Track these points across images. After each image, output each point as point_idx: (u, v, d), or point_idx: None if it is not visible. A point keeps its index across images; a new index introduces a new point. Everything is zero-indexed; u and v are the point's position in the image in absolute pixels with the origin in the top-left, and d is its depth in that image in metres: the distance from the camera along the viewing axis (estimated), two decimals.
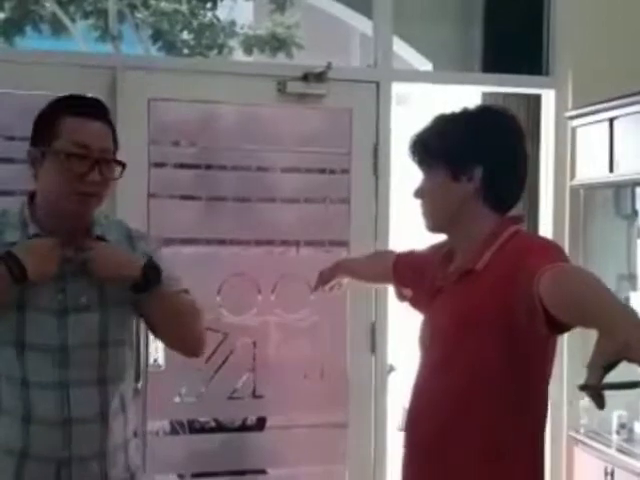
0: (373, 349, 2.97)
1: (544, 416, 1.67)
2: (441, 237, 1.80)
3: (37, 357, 1.70)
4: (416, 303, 1.90)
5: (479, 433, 1.61)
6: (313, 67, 2.89)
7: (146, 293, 1.73)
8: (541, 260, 1.48)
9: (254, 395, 2.97)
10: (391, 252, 2.24)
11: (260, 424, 3.24)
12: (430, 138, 1.69)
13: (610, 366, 1.19)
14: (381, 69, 2.99)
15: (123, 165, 1.78)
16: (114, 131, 1.79)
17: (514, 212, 1.73)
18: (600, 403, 1.21)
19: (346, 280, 2.33)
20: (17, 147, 2.71)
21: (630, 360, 1.17)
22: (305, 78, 2.86)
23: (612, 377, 1.21)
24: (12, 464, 1.72)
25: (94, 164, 1.71)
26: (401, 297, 2.03)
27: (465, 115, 1.70)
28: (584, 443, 3.03)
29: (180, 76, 2.82)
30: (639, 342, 1.17)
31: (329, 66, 2.81)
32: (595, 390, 1.20)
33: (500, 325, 1.56)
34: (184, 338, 1.85)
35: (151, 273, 1.73)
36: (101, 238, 1.78)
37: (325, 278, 2.34)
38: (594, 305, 1.31)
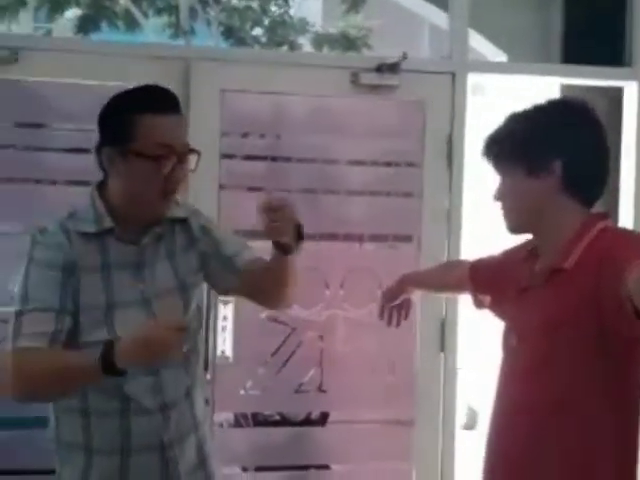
0: (442, 347, 2.91)
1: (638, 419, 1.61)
2: (519, 237, 1.76)
3: None
4: (497, 308, 1.85)
5: (572, 439, 1.56)
6: (386, 58, 2.84)
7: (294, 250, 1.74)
8: (631, 255, 1.43)
9: (320, 389, 2.95)
10: (463, 261, 2.18)
11: (323, 419, 3.22)
12: (503, 138, 1.66)
13: None
14: (456, 60, 2.92)
15: (198, 154, 1.75)
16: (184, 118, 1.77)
17: (598, 209, 1.68)
18: None
19: (414, 296, 2.18)
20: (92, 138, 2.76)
21: None
22: (379, 69, 2.82)
23: None
24: (117, 460, 1.72)
25: (177, 162, 1.68)
26: (479, 305, 1.97)
27: (536, 110, 1.66)
28: None
29: (252, 68, 2.81)
30: None
31: (404, 56, 2.76)
32: None
33: (591, 325, 1.51)
34: (290, 292, 1.89)
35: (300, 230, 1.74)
36: (174, 219, 1.80)
37: (392, 295, 2.16)
38: None
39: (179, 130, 1.72)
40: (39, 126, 2.83)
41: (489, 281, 1.89)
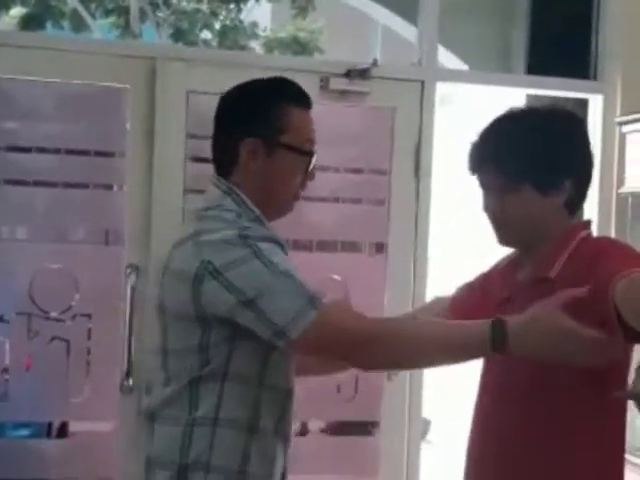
0: None
1: (622, 436, 1.61)
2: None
3: None
4: None
5: (553, 448, 1.55)
6: (356, 64, 2.81)
7: None
8: (617, 266, 1.42)
9: None
10: (444, 297, 1.99)
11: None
12: (508, 155, 1.58)
13: None
14: (426, 68, 2.91)
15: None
16: None
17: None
18: None
19: None
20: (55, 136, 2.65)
21: None
22: (348, 75, 2.78)
23: None
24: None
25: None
26: None
27: (541, 124, 1.60)
28: None
29: (220, 69, 2.74)
30: None
31: (375, 63, 2.73)
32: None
33: None
34: None
35: None
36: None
37: None
38: None
39: (314, 129, 1.70)
40: None
41: (472, 309, 1.75)
